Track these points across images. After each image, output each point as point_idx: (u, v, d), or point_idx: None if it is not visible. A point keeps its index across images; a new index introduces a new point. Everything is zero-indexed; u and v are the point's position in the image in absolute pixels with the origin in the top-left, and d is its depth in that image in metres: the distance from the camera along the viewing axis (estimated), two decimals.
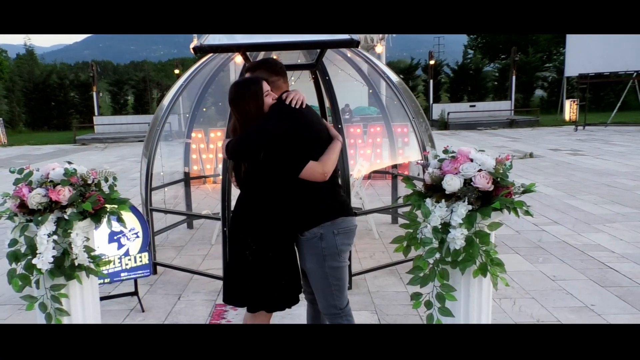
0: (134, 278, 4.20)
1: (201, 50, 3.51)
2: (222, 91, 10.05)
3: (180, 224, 6.52)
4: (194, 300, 4.31)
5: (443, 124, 21.74)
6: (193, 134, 7.23)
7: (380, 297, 4.21)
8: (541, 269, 4.76)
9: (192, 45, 5.70)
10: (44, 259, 2.07)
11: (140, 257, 4.19)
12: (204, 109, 6.62)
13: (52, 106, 27.68)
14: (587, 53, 21.89)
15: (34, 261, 2.06)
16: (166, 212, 5.86)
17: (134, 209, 4.02)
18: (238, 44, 3.58)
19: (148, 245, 4.26)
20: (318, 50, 4.32)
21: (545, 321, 3.72)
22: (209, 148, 9.57)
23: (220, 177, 4.55)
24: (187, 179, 6.83)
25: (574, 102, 22.29)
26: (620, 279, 4.47)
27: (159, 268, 5.01)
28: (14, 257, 2.11)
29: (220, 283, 4.55)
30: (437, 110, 23.38)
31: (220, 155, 9.64)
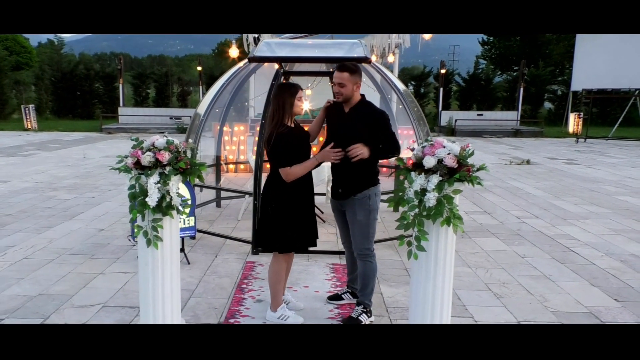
0: (182, 237, 5.23)
1: (254, 60, 4.62)
2: (244, 89, 11.18)
3: (209, 202, 7.55)
4: (228, 258, 5.33)
5: (450, 131, 22.66)
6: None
7: (380, 263, 5.13)
8: (515, 249, 5.74)
9: (232, 50, 6.75)
10: (153, 199, 3.09)
11: (189, 220, 5.21)
12: (239, 105, 7.69)
13: (77, 95, 28.98)
14: (594, 69, 22.52)
15: (146, 199, 3.08)
16: (203, 187, 6.93)
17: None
18: (281, 56, 4.74)
19: (193, 211, 5.29)
20: None
21: (508, 283, 4.70)
22: (232, 140, 10.80)
23: (251, 164, 5.58)
24: (218, 163, 7.91)
25: (577, 115, 23.14)
26: (578, 259, 5.44)
27: (197, 234, 6.04)
28: (133, 196, 3.14)
29: (248, 247, 5.58)
30: (445, 117, 24.30)
31: (243, 148, 10.87)
